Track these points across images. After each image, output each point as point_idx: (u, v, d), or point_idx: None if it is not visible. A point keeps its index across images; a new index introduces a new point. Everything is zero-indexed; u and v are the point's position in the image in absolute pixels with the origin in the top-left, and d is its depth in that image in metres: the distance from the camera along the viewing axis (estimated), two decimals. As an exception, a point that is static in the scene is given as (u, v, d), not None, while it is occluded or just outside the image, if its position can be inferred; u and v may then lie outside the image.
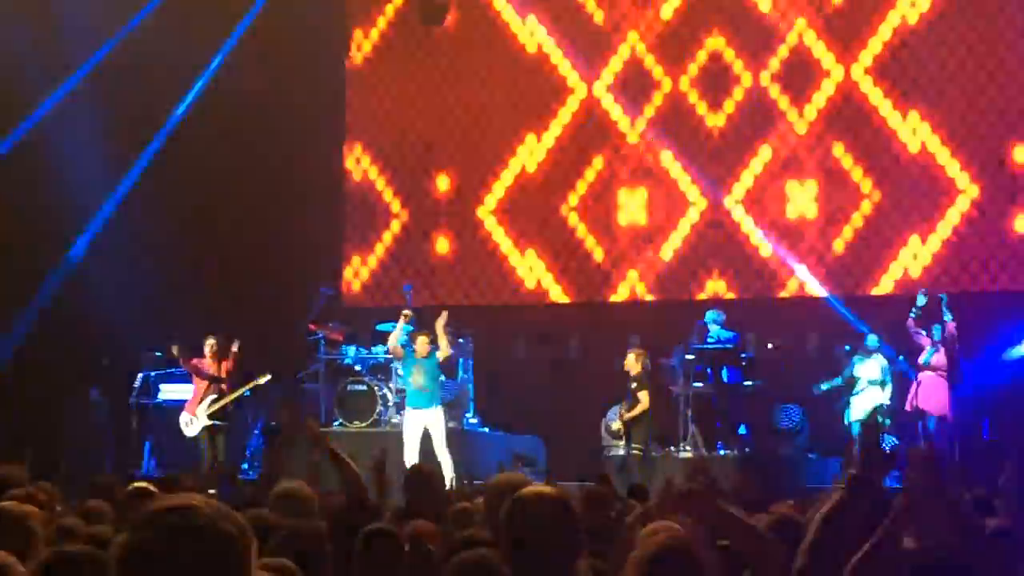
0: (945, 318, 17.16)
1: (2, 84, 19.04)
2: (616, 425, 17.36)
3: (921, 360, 17.25)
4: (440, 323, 16.84)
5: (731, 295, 19.93)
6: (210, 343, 17.63)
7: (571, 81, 20.81)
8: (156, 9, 19.15)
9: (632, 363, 17.17)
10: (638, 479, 14.54)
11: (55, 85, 19.30)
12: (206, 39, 19.60)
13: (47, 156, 19.23)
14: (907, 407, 17.22)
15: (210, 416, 17.54)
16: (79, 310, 19.54)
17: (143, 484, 6.95)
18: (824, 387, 17.56)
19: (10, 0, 18.99)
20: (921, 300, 17.36)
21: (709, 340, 18.20)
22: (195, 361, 17.69)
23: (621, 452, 17.07)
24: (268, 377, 18.09)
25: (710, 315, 18.37)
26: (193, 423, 17.63)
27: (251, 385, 17.91)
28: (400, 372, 17.96)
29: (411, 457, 15.97)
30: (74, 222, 19.81)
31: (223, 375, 17.68)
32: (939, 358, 17.16)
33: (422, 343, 16.82)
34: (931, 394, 17.12)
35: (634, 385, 17.04)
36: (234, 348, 17.76)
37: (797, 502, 8.56)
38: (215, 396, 17.62)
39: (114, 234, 19.73)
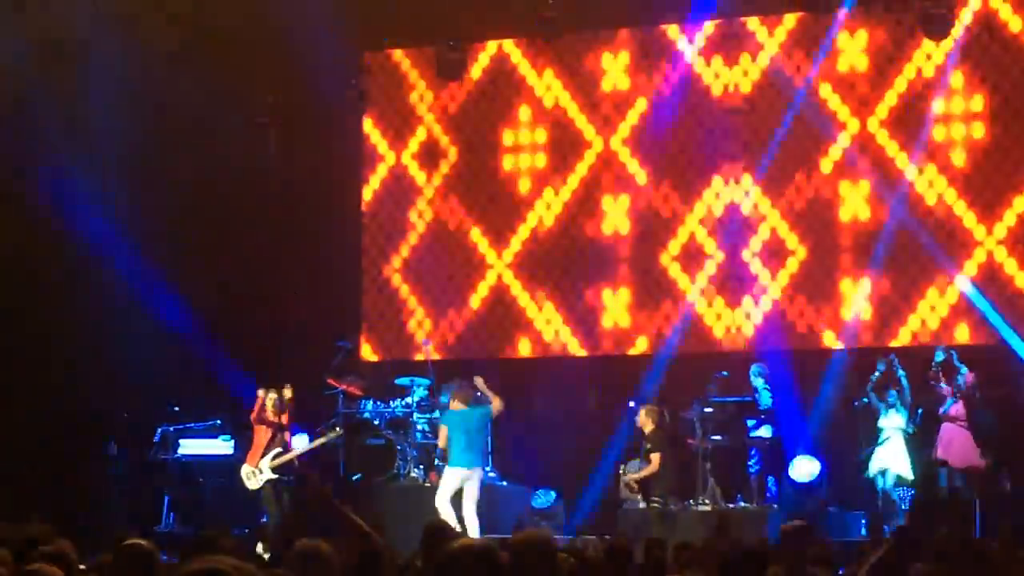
0: (961, 371, 17.15)
1: (27, 150, 19.26)
2: (631, 476, 17.35)
3: (940, 411, 17.22)
4: (480, 381, 16.87)
5: (739, 346, 19.89)
6: (272, 397, 17.46)
7: (588, 135, 20.86)
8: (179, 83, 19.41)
9: (644, 419, 17.15)
10: (655, 533, 14.51)
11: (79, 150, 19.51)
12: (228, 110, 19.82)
13: (67, 217, 19.37)
14: (936, 455, 17.17)
15: (274, 470, 17.38)
16: (98, 365, 19.60)
17: (135, 541, 6.81)
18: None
19: (36, 68, 19.18)
20: (939, 356, 17.36)
21: (760, 396, 18.12)
22: (260, 413, 17.48)
23: (640, 506, 17.04)
24: (338, 431, 17.97)
25: (754, 369, 18.30)
26: (256, 476, 17.32)
27: (320, 441, 17.76)
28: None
29: (443, 513, 16.01)
30: (93, 276, 19.89)
31: (284, 424, 17.49)
32: (958, 408, 17.13)
33: (463, 399, 16.79)
34: (953, 446, 17.06)
35: (648, 446, 17.03)
36: (287, 394, 17.61)
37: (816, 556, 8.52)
38: (279, 450, 17.44)
39: (136, 288, 19.79)
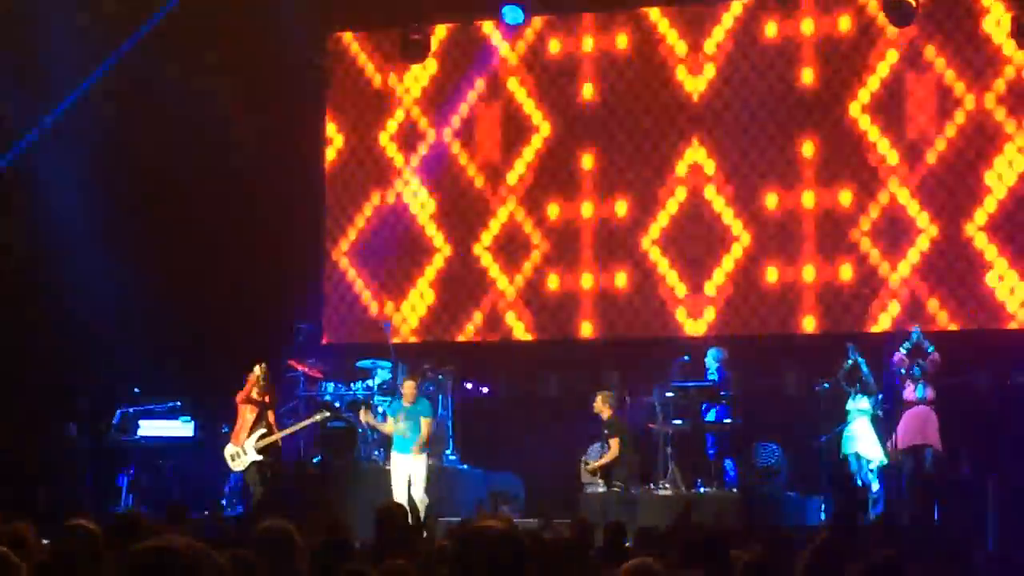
0: (928, 349, 17.19)
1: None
2: (593, 464, 17.34)
3: (914, 396, 17.15)
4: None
5: (700, 332, 19.91)
6: (256, 375, 17.35)
7: (550, 118, 20.84)
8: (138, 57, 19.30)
9: (600, 406, 17.11)
10: (616, 516, 14.51)
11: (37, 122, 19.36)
12: (186, 81, 19.68)
13: (27, 192, 19.23)
14: (896, 445, 17.14)
15: (258, 451, 17.22)
16: (58, 344, 19.49)
17: (79, 522, 6.74)
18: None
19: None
20: (916, 336, 17.38)
21: (709, 377, 18.17)
22: (244, 392, 17.35)
23: (600, 490, 17.05)
24: (326, 414, 17.88)
25: (711, 352, 18.34)
26: (240, 457, 17.15)
27: (307, 422, 17.66)
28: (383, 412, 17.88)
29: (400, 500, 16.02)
30: (54, 256, 19.76)
31: (268, 403, 17.32)
32: (930, 392, 17.17)
33: (409, 389, 16.77)
34: (925, 428, 17.06)
35: (606, 432, 17.02)
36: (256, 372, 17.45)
37: (775, 540, 8.56)
38: (264, 431, 17.28)
39: (96, 269, 19.67)
